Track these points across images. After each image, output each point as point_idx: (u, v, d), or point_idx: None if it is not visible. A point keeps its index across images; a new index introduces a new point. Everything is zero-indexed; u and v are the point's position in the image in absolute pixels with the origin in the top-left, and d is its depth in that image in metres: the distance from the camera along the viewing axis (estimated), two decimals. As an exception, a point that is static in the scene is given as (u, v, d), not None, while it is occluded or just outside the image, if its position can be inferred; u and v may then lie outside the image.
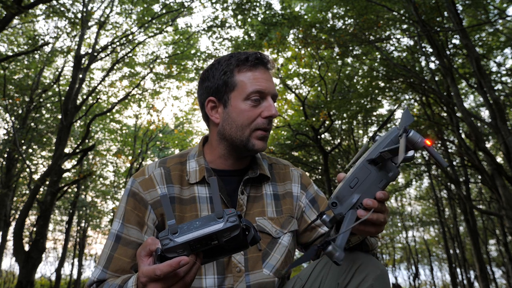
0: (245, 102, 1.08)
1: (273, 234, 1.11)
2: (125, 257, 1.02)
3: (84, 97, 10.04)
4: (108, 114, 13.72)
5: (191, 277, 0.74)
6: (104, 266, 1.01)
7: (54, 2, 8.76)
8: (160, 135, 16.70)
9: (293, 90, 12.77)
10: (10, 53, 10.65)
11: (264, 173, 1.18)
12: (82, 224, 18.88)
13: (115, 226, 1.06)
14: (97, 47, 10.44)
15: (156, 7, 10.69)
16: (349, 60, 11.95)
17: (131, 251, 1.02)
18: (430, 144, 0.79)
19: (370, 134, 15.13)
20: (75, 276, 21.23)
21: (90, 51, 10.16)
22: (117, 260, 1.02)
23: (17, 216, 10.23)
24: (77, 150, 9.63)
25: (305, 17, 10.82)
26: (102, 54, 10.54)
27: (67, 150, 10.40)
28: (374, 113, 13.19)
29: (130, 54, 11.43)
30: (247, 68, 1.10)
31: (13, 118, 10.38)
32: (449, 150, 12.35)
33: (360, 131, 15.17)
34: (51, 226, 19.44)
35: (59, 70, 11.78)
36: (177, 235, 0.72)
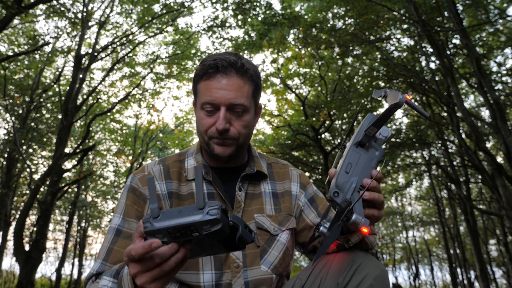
0: (201, 111, 1.09)
1: (271, 231, 1.12)
2: (120, 265, 1.01)
3: (85, 97, 10.04)
4: (108, 114, 13.72)
5: (170, 266, 0.72)
6: (104, 259, 1.02)
7: (54, 2, 8.77)
8: (160, 135, 16.72)
9: (293, 90, 12.77)
10: (10, 53, 10.65)
11: (261, 170, 1.18)
12: (83, 224, 18.89)
13: (116, 221, 1.08)
14: (98, 47, 10.44)
15: (156, 7, 10.70)
16: (349, 60, 11.95)
17: None
18: (410, 99, 0.84)
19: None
20: (75, 276, 21.25)
21: (90, 51, 10.17)
22: (116, 253, 1.02)
23: (17, 216, 10.23)
24: (78, 150, 9.64)
25: (305, 17, 10.82)
26: (103, 54, 10.55)
27: (67, 150, 10.39)
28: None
29: (131, 54, 11.43)
30: (206, 76, 1.07)
31: (13, 118, 10.38)
32: (450, 150, 12.35)
33: (360, 131, 15.13)
34: (51, 226, 19.45)
35: (60, 70, 11.79)
36: (157, 220, 0.71)
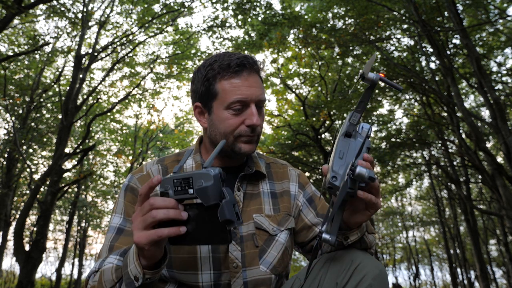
0: (227, 111, 1.07)
1: (270, 231, 1.11)
2: (128, 245, 1.01)
3: (85, 97, 10.05)
4: (109, 114, 13.72)
5: (158, 213, 0.77)
6: (106, 256, 1.00)
7: (55, 2, 8.77)
8: (161, 135, 16.71)
9: (294, 90, 12.77)
10: (10, 53, 10.65)
11: (260, 170, 1.18)
12: (83, 224, 18.90)
13: (116, 220, 1.07)
14: (98, 47, 10.44)
15: (157, 7, 10.70)
16: (350, 60, 11.95)
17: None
18: (383, 75, 0.89)
19: (371, 134, 15.08)
20: (75, 276, 21.25)
21: (90, 51, 10.17)
22: (118, 249, 1.01)
23: (17, 216, 10.24)
24: (78, 150, 9.65)
25: (306, 17, 10.83)
26: (103, 54, 10.55)
27: (67, 150, 10.39)
28: (374, 113, 13.19)
29: (131, 54, 11.43)
30: (229, 75, 1.06)
31: (13, 118, 10.38)
32: (450, 150, 12.35)
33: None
34: (51, 226, 19.46)
35: (60, 70, 11.79)
36: (170, 175, 0.81)
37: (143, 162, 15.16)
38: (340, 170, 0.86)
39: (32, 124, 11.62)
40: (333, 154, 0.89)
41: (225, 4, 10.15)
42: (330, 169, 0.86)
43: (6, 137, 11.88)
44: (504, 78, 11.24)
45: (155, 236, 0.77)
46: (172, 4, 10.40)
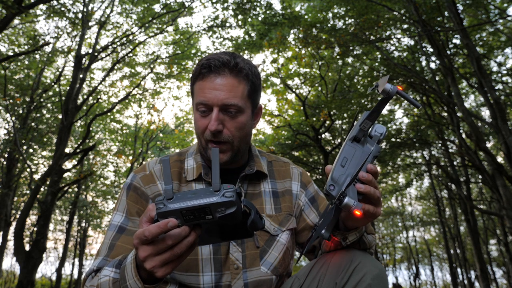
0: (197, 112, 1.07)
1: (271, 231, 1.10)
2: (129, 245, 1.01)
3: (85, 97, 10.05)
4: (109, 114, 13.73)
5: (181, 249, 0.71)
6: (106, 254, 0.99)
7: (55, 2, 8.77)
8: (161, 135, 16.71)
9: (294, 90, 12.77)
10: (10, 53, 10.66)
11: (261, 169, 1.17)
12: (83, 224, 18.89)
13: (118, 219, 1.06)
14: (98, 47, 10.44)
15: (157, 7, 10.70)
16: (350, 60, 11.95)
17: None
18: (402, 89, 0.84)
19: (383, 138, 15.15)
20: (75, 276, 21.27)
21: (90, 51, 10.17)
22: (119, 248, 1.00)
23: (17, 216, 10.24)
24: (78, 150, 9.64)
25: (306, 17, 10.83)
26: (103, 54, 10.55)
27: (67, 150, 10.41)
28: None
29: (131, 54, 11.43)
30: (200, 76, 1.06)
31: (13, 118, 10.38)
32: (450, 150, 12.35)
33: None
34: (51, 226, 19.46)
35: (60, 70, 11.79)
36: (171, 202, 0.71)
37: (143, 162, 15.23)
38: (340, 178, 0.84)
39: (32, 124, 11.62)
40: (336, 160, 0.87)
41: (225, 4, 10.15)
42: (330, 176, 0.85)
43: (6, 137, 11.88)
44: (504, 78, 11.24)
45: (178, 264, 0.75)
46: (172, 4, 10.40)
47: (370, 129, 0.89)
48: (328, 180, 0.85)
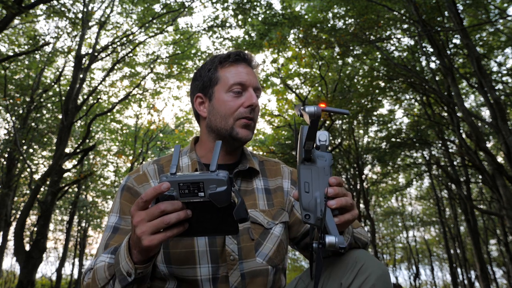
0: (228, 94, 1.16)
1: (265, 225, 1.14)
2: (118, 244, 1.03)
3: (85, 97, 10.05)
4: (109, 114, 13.73)
5: (171, 218, 0.77)
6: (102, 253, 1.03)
7: (55, 2, 8.77)
8: (161, 135, 16.72)
9: (294, 90, 12.77)
10: (11, 53, 10.65)
11: (254, 166, 1.21)
12: (83, 224, 18.90)
13: (112, 220, 1.10)
14: (98, 47, 10.44)
15: (157, 7, 10.70)
16: (350, 60, 11.95)
17: None
18: (325, 105, 0.86)
19: (371, 134, 15.10)
20: (75, 276, 21.26)
21: (90, 51, 10.17)
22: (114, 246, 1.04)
23: (18, 216, 10.24)
24: (78, 150, 9.64)
25: (306, 17, 10.83)
26: (103, 54, 10.55)
27: (67, 150, 10.40)
28: (375, 113, 13.19)
29: (131, 54, 11.43)
30: (229, 63, 1.18)
31: (13, 118, 10.38)
32: (450, 150, 12.35)
33: (361, 131, 15.17)
34: (51, 226, 19.46)
35: (60, 70, 11.79)
36: (173, 177, 0.79)
37: (143, 162, 15.24)
38: (311, 204, 0.85)
39: (32, 124, 11.62)
40: (299, 188, 0.87)
41: (225, 4, 10.15)
42: (300, 207, 0.85)
43: (7, 137, 11.88)
44: (504, 78, 11.25)
45: (164, 238, 0.80)
46: (172, 4, 10.40)
47: (316, 140, 0.89)
48: (301, 211, 0.85)
